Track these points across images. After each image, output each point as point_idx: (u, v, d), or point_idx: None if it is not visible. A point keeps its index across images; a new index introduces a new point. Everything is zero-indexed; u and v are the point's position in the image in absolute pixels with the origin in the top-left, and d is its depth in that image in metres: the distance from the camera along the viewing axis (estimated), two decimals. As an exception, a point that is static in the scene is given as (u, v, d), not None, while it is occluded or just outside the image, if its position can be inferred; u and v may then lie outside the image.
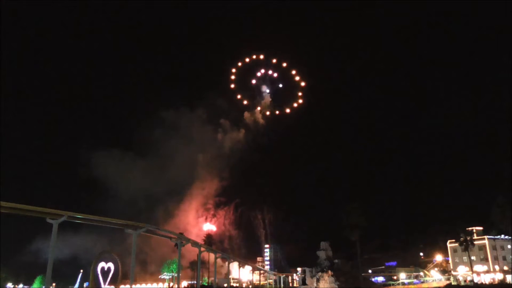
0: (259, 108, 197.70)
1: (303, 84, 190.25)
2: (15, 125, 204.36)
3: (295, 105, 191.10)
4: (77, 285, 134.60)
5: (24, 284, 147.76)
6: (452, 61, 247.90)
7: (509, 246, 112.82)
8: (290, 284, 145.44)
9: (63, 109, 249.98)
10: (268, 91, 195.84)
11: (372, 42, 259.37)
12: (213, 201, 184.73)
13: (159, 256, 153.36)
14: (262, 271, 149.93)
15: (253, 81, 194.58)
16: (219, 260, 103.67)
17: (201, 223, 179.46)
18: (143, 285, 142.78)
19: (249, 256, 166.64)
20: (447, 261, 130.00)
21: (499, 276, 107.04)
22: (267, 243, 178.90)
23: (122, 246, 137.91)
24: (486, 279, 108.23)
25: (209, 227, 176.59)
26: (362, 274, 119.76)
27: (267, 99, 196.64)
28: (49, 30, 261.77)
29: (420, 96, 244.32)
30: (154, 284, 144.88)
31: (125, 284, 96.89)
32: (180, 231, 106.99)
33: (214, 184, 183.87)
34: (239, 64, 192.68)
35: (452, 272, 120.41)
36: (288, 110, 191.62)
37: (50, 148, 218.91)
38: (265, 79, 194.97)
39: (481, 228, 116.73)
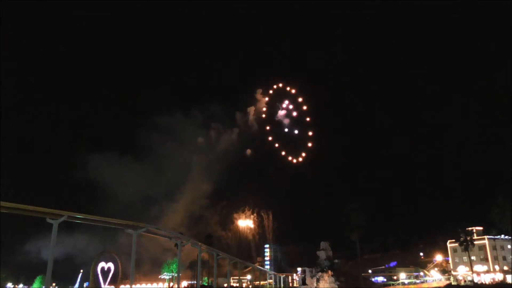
0: (253, 111, 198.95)
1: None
2: (15, 126, 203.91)
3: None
4: (77, 285, 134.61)
5: (24, 284, 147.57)
6: (451, 61, 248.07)
7: (509, 246, 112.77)
8: (290, 284, 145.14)
9: (63, 112, 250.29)
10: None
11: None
12: (203, 202, 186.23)
13: (151, 256, 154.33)
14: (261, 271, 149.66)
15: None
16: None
17: (190, 223, 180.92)
18: (143, 285, 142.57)
19: (244, 256, 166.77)
20: (447, 261, 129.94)
21: (499, 276, 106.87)
22: (266, 243, 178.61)
23: (115, 246, 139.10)
24: (486, 279, 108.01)
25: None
26: (362, 274, 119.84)
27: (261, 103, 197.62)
28: (49, 31, 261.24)
29: (420, 97, 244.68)
30: (154, 284, 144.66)
31: (124, 284, 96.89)
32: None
33: (205, 186, 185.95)
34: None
35: (452, 272, 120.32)
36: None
37: (49, 150, 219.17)
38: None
39: (481, 228, 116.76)
